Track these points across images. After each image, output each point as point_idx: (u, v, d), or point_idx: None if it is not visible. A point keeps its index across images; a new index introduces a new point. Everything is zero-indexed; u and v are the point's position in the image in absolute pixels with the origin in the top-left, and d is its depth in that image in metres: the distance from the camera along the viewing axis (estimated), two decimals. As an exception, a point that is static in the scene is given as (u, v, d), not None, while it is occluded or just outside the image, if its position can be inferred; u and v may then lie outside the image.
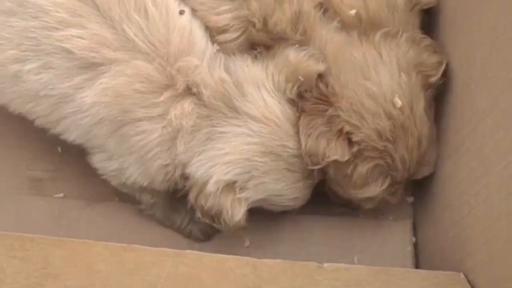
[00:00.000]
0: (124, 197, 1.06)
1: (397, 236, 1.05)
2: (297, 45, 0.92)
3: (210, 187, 0.87)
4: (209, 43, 0.90)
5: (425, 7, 1.01)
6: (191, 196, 0.91)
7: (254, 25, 0.93)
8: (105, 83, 0.84)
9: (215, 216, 0.89)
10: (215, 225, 0.91)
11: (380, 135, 0.89)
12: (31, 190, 1.07)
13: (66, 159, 1.10)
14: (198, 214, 0.91)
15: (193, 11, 0.91)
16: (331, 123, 0.90)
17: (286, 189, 0.92)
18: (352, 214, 1.06)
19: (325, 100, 0.91)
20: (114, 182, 0.97)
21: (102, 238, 0.82)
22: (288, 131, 0.90)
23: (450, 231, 0.92)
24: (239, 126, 0.87)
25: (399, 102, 0.88)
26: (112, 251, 0.77)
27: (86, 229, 1.02)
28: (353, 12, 0.95)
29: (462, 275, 0.82)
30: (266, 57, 0.91)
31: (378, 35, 0.92)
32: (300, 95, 0.91)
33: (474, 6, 0.87)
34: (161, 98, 0.85)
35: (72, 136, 0.92)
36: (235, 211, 0.88)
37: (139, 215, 1.04)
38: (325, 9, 0.97)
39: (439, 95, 0.97)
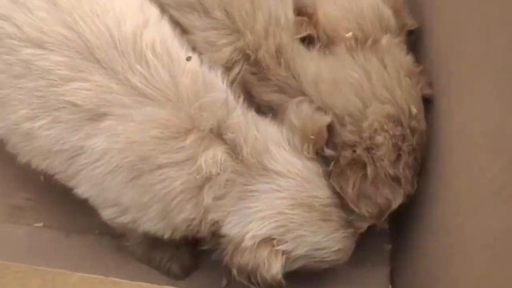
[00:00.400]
0: (104, 230, 1.06)
1: (374, 282, 1.07)
2: (295, 105, 0.93)
3: (246, 242, 0.86)
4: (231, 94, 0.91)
5: (410, 28, 1.07)
6: (227, 255, 0.89)
7: (249, 58, 0.96)
8: (113, 130, 0.85)
9: (251, 272, 0.87)
10: (252, 287, 0.89)
11: (411, 151, 0.92)
12: (10, 217, 1.07)
13: (48, 188, 1.09)
14: (234, 272, 0.89)
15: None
16: (372, 173, 0.91)
17: (326, 241, 0.90)
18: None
19: (359, 159, 0.91)
20: (115, 226, 0.96)
21: (79, 269, 0.81)
22: (315, 182, 0.90)
23: (425, 280, 0.93)
24: (267, 183, 0.87)
25: (414, 110, 0.92)
26: (88, 282, 0.77)
27: (64, 260, 1.02)
28: (349, 34, 0.98)
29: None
30: (277, 120, 0.93)
31: (384, 41, 0.97)
32: (317, 152, 0.92)
33: (458, 41, 0.91)
34: (187, 142, 0.84)
35: (83, 187, 0.90)
36: (273, 263, 0.86)
37: (118, 249, 1.04)
38: (310, 41, 1.00)
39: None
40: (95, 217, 1.08)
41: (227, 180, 0.85)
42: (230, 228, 0.87)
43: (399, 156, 0.92)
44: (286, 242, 0.88)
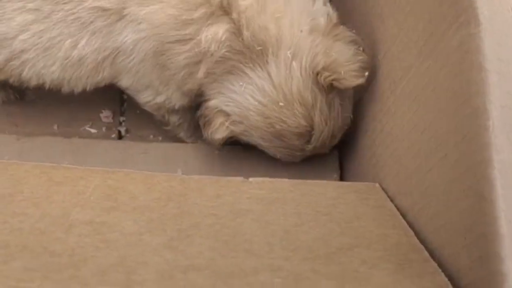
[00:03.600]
0: (57, 132, 1.09)
1: (324, 165, 1.10)
2: (349, 37, 0.93)
3: (211, 103, 0.94)
4: None
5: None
6: (202, 100, 0.97)
7: None
8: (136, 17, 0.88)
9: (205, 124, 0.97)
10: (204, 132, 0.99)
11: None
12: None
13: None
14: (198, 114, 0.99)
15: None
16: None
17: (272, 149, 0.98)
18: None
19: None
20: (152, 110, 1.04)
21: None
22: (294, 110, 0.91)
23: (367, 153, 0.99)
24: (259, 77, 0.90)
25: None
26: (40, 168, 0.79)
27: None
28: None
29: (377, 185, 0.89)
30: (320, 30, 0.91)
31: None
32: (331, 86, 0.90)
33: None
34: (194, 15, 0.87)
35: (124, 81, 0.97)
36: (219, 131, 0.96)
37: (71, 150, 1.06)
38: None
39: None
40: (45, 123, 1.11)
41: (221, 57, 0.89)
42: (208, 91, 0.94)
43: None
44: (236, 127, 0.95)
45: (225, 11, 0.88)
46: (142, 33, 0.89)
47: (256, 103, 0.91)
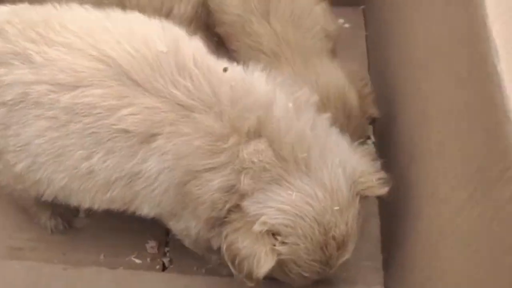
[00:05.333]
0: (101, 263, 1.09)
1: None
2: (373, 154, 0.97)
3: (256, 227, 0.85)
4: (280, 95, 0.89)
5: (372, 116, 1.14)
6: (230, 228, 0.88)
7: None
8: (163, 149, 0.85)
9: (241, 258, 0.87)
10: (232, 269, 0.89)
11: None
12: (10, 256, 1.09)
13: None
14: (224, 246, 0.89)
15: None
16: None
17: (306, 263, 0.89)
18: (325, 281, 1.08)
19: None
20: (186, 243, 1.01)
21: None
22: (347, 215, 0.88)
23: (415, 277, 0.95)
24: (307, 185, 0.86)
25: None
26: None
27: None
28: None
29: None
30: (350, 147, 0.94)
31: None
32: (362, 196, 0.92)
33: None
34: (225, 145, 0.84)
35: (145, 210, 0.93)
36: (267, 262, 0.86)
37: (116, 281, 1.06)
38: None
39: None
40: (92, 252, 1.12)
41: (268, 163, 0.85)
42: (250, 204, 0.86)
43: None
44: (285, 245, 0.87)
45: (256, 133, 0.86)
46: (166, 163, 0.86)
47: (311, 209, 0.86)
